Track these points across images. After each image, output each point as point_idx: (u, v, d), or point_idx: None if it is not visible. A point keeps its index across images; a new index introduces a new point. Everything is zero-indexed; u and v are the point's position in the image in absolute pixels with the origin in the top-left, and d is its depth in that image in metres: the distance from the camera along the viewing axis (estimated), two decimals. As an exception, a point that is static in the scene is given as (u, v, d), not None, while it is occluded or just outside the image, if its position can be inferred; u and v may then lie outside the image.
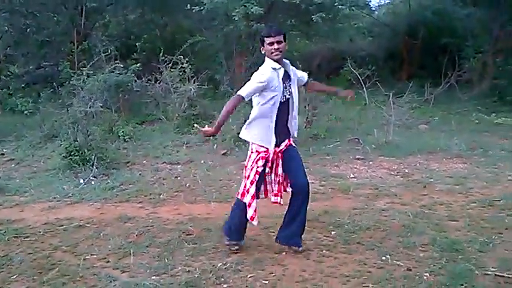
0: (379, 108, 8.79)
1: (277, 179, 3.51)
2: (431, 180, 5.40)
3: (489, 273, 3.13)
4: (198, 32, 11.11)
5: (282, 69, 3.28)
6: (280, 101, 3.28)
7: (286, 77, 3.33)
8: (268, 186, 3.57)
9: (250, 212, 3.34)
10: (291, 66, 3.40)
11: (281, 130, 3.36)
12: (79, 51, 10.25)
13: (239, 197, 3.42)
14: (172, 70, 8.72)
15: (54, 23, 10.91)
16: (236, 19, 9.16)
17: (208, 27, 11.47)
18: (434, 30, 12.69)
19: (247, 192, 3.36)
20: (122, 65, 8.26)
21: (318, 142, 7.23)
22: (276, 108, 3.28)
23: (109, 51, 9.49)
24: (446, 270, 3.19)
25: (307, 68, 8.37)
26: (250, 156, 3.40)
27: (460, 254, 3.43)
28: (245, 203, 3.35)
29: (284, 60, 3.33)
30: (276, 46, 3.20)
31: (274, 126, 3.30)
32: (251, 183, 3.34)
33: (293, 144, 3.49)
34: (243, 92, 3.20)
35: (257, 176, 3.35)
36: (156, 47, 10.12)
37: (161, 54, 8.91)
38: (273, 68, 3.26)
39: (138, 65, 8.89)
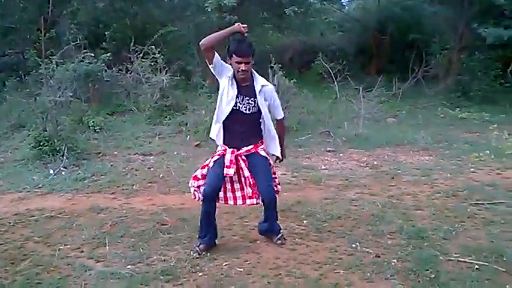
0: (349, 102, 9.00)
1: (247, 182, 3.41)
2: (399, 171, 5.60)
3: (452, 258, 3.30)
4: (170, 22, 11.00)
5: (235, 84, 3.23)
6: (235, 109, 3.24)
7: (251, 92, 3.26)
8: (228, 193, 3.50)
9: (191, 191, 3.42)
10: (270, 92, 3.33)
11: (238, 136, 3.31)
12: (46, 39, 9.94)
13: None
14: (143, 60, 8.63)
15: (20, 10, 10.55)
16: (209, 10, 9.14)
17: (180, 18, 11.39)
18: (403, 26, 13.02)
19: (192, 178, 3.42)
20: (92, 55, 8.09)
21: (290, 134, 7.29)
22: (225, 113, 3.24)
23: (78, 40, 9.28)
24: (413, 256, 3.34)
25: (279, 60, 8.48)
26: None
27: (425, 241, 3.60)
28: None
29: (256, 76, 3.29)
30: (243, 67, 3.13)
31: (222, 128, 3.29)
32: (201, 169, 3.40)
33: (260, 153, 3.40)
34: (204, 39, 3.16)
35: (205, 168, 3.37)
36: (126, 37, 9.97)
37: (132, 43, 8.79)
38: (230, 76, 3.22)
39: (109, 54, 8.72)
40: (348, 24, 15.60)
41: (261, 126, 3.41)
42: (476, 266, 3.17)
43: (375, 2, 14.66)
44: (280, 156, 3.58)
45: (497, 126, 6.90)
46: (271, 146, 3.48)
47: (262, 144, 3.45)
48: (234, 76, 3.22)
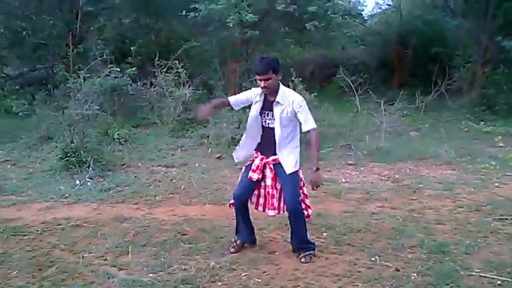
0: (370, 115, 8.97)
1: (268, 191, 3.53)
2: (421, 185, 5.55)
3: (474, 274, 3.26)
4: (193, 38, 11.24)
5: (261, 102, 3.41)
6: (262, 124, 3.46)
7: (269, 107, 3.40)
8: (260, 199, 3.64)
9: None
10: (294, 106, 3.32)
11: (267, 147, 3.47)
12: (74, 54, 10.31)
13: None
14: (167, 75, 8.83)
15: (49, 26, 10.97)
16: (230, 26, 9.31)
17: (203, 33, 11.62)
18: (425, 39, 12.96)
19: None
20: (118, 69, 8.34)
21: (311, 148, 7.34)
22: (253, 126, 3.49)
23: (104, 55, 9.59)
24: (433, 271, 3.31)
25: (300, 74, 8.55)
26: None
27: (446, 255, 3.56)
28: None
29: (280, 91, 3.35)
30: (263, 84, 3.28)
31: (248, 141, 3.58)
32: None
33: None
34: (231, 98, 3.59)
35: (240, 176, 3.64)
36: (151, 52, 10.23)
37: (156, 58, 9.02)
38: (259, 94, 3.43)
39: (134, 68, 8.98)
40: (370, 37, 15.63)
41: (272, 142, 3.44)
42: (499, 282, 3.13)
43: (396, 15, 14.65)
44: (300, 173, 3.59)
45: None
46: (284, 160, 3.46)
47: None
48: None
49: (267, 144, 3.47)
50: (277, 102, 3.36)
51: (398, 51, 13.62)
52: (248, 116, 3.53)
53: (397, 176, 5.94)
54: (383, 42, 14.69)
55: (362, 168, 6.39)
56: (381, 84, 12.69)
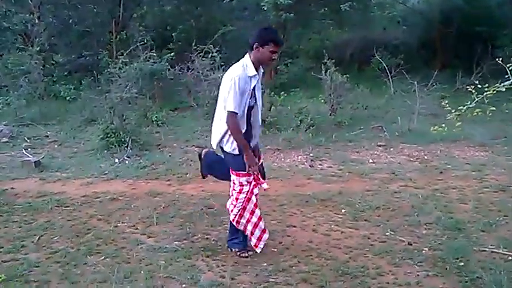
0: (406, 97, 8.85)
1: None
2: (449, 166, 5.53)
3: (486, 249, 3.32)
4: (229, 22, 11.42)
5: (257, 77, 3.14)
6: (248, 107, 3.15)
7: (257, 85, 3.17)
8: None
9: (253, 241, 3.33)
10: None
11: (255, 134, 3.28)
12: (117, 41, 10.81)
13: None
14: (204, 59, 9.10)
15: (93, 15, 11.50)
16: (265, 9, 9.42)
17: (239, 18, 11.78)
18: (469, 18, 12.43)
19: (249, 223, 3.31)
20: (156, 54, 8.69)
21: (342, 129, 7.42)
22: (245, 115, 3.15)
23: (145, 41, 9.98)
24: (446, 246, 3.40)
25: (339, 57, 8.57)
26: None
27: (461, 232, 3.63)
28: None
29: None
30: (275, 56, 3.10)
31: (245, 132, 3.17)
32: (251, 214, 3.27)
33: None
34: (233, 107, 3.06)
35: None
36: (190, 38, 10.52)
37: (193, 44, 9.31)
38: (249, 76, 3.09)
39: (172, 54, 9.31)
40: (412, 17, 15.15)
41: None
42: (510, 257, 3.17)
43: (439, -6, 14.14)
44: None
45: None
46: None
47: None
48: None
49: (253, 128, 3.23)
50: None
51: (441, 31, 13.16)
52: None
53: (426, 157, 5.93)
54: (425, 21, 14.21)
55: (392, 149, 6.40)
56: (422, 66, 12.35)
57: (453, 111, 2.60)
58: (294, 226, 3.84)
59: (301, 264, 3.18)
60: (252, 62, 3.12)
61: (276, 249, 3.40)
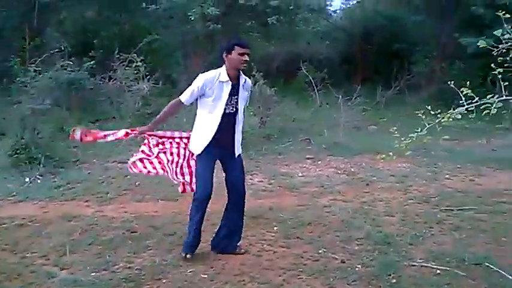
0: (331, 110, 9.08)
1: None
2: (375, 178, 5.65)
3: (416, 264, 3.35)
4: (155, 31, 11.06)
5: (230, 83, 3.23)
6: (224, 113, 3.25)
7: (235, 91, 3.28)
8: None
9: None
10: (248, 82, 3.42)
11: (223, 142, 3.32)
12: (31, 47, 9.99)
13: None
14: (126, 68, 8.66)
15: (3, 18, 10.56)
16: (193, 19, 9.22)
17: (166, 26, 11.45)
18: (388, 35, 13.22)
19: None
20: (72, 62, 8.12)
21: (271, 142, 7.40)
22: (216, 119, 3.23)
23: (62, 48, 9.30)
24: (377, 261, 3.38)
25: (266, 69, 8.58)
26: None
27: (391, 246, 3.64)
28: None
29: (243, 75, 3.36)
30: (246, 58, 3.20)
31: (212, 138, 3.26)
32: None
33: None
34: (183, 96, 3.27)
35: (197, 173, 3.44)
36: (113, 45, 10.01)
37: (116, 52, 8.83)
38: (221, 82, 3.22)
39: (92, 62, 8.75)
40: (335, 33, 15.80)
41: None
42: (438, 271, 3.22)
43: (361, 11, 14.87)
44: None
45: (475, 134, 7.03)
46: (238, 145, 3.44)
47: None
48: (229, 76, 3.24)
49: (225, 136, 3.31)
50: (244, 84, 3.35)
51: (362, 47, 13.84)
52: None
53: (352, 169, 6.04)
54: (347, 37, 14.90)
55: (319, 162, 6.45)
56: (344, 79, 12.85)
57: (402, 139, 2.56)
58: (225, 248, 3.63)
59: (233, 291, 2.98)
60: (227, 70, 3.25)
61: (206, 275, 3.17)
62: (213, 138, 3.26)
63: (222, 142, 3.31)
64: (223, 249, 3.51)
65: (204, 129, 3.30)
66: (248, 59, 3.24)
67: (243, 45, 3.23)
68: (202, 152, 3.30)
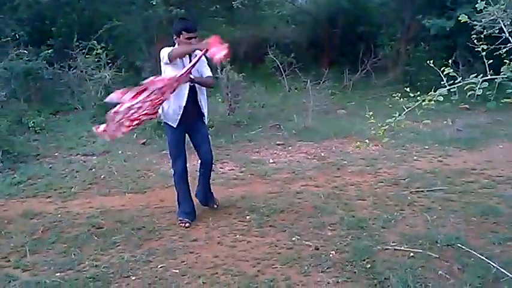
0: (300, 95, 9.03)
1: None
2: (345, 162, 5.64)
3: (389, 247, 3.35)
4: (116, 17, 10.62)
5: (187, 57, 3.58)
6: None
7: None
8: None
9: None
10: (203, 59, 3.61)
11: (188, 112, 3.70)
12: (-19, 35, 9.39)
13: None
14: (87, 57, 8.30)
15: None
16: (154, 3, 8.90)
17: (127, 12, 11.02)
18: (352, 18, 13.19)
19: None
20: (27, 51, 7.69)
21: (241, 129, 7.27)
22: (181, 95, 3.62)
23: (17, 37, 8.80)
24: (351, 247, 3.36)
25: (234, 55, 8.36)
26: None
27: (364, 231, 3.63)
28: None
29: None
30: (193, 41, 3.48)
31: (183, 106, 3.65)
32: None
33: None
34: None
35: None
36: (73, 33, 9.56)
37: (75, 39, 8.44)
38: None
39: (50, 51, 8.33)
40: (300, 17, 15.65)
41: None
42: (412, 254, 3.23)
43: (326, -6, 14.79)
44: None
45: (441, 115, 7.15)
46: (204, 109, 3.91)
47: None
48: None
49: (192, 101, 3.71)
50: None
51: (327, 31, 13.78)
52: None
53: (322, 154, 6.01)
54: (313, 21, 14.77)
55: (290, 147, 6.39)
56: (311, 64, 12.78)
57: (379, 124, 2.48)
58: (197, 240, 3.52)
59: (206, 285, 2.88)
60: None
61: (177, 270, 3.06)
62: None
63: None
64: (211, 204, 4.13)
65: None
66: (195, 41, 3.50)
67: (189, 29, 3.52)
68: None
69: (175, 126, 3.70)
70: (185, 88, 3.61)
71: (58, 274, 3.01)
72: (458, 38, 9.72)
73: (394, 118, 2.35)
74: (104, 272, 3.02)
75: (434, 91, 2.76)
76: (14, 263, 3.18)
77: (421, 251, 3.25)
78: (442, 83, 2.27)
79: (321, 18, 14.25)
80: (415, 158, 5.85)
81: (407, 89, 2.83)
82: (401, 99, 2.78)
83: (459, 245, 3.27)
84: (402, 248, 3.31)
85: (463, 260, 3.10)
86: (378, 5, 12.48)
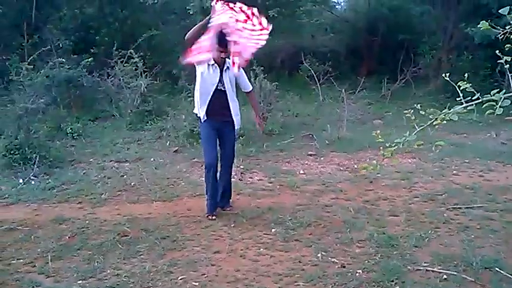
0: (335, 105, 8.86)
1: None
2: (379, 175, 5.42)
3: (421, 268, 3.16)
4: (156, 26, 10.86)
5: (217, 66, 4.01)
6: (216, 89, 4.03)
7: (223, 73, 4.04)
8: None
9: None
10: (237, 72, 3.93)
11: (216, 111, 4.05)
12: (29, 45, 9.83)
13: None
14: (125, 65, 8.49)
15: (0, 15, 10.40)
16: (191, 13, 9.01)
17: (166, 22, 11.25)
18: (392, 27, 12.87)
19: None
20: (64, 60, 7.95)
21: (272, 138, 7.19)
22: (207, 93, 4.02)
23: (60, 46, 9.15)
24: (380, 266, 3.19)
25: (270, 63, 8.35)
26: None
27: (395, 249, 3.45)
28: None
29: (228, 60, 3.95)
30: (222, 55, 3.93)
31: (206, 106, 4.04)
32: None
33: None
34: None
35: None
36: (114, 42, 9.86)
37: (114, 48, 8.67)
38: (208, 64, 3.96)
39: (90, 59, 8.59)
40: (339, 25, 15.46)
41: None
42: (445, 276, 3.03)
43: (365, 3, 14.53)
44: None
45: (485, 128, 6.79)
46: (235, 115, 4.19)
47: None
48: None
49: (218, 107, 4.10)
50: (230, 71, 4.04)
51: (367, 39, 13.52)
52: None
53: (355, 166, 5.82)
54: (352, 29, 14.55)
55: (322, 158, 6.25)
56: (349, 72, 12.57)
57: (387, 144, 2.30)
58: (220, 252, 3.46)
59: (225, 300, 2.81)
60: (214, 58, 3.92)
61: (197, 283, 3.00)
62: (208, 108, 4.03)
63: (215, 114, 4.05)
64: (222, 206, 4.30)
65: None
66: (224, 56, 3.95)
67: (220, 44, 3.80)
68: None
69: (202, 119, 4.03)
70: (212, 85, 3.99)
71: (80, 282, 3.02)
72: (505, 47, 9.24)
73: (404, 138, 2.14)
74: (124, 281, 3.00)
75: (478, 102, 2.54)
76: (39, 268, 3.23)
77: (455, 273, 3.04)
78: (474, 97, 2.05)
79: (360, 26, 14.01)
80: (454, 172, 5.56)
81: (447, 99, 2.61)
82: (425, 110, 2.56)
83: (497, 268, 3.03)
84: (435, 269, 3.11)
85: (501, 285, 2.88)
86: (419, 13, 12.12)
